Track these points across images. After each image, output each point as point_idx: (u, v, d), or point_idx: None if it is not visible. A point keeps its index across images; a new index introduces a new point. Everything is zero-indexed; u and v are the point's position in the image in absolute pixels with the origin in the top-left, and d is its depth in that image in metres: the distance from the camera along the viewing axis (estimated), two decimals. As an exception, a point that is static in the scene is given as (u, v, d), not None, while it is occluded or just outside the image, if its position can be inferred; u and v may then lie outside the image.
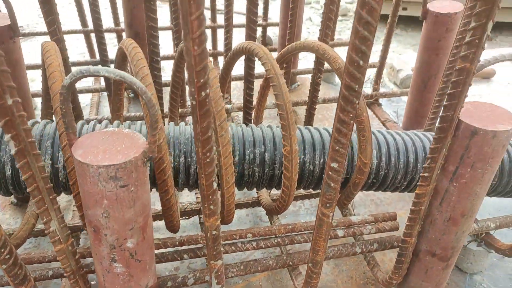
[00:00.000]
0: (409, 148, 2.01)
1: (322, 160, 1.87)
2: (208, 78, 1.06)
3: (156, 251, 1.64)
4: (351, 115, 1.21)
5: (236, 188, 1.91)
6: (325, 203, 1.42)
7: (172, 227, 1.58)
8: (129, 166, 1.10)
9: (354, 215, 2.39)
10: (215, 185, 1.30)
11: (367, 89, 3.19)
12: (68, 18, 5.31)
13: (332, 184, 1.36)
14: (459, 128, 1.47)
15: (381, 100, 3.52)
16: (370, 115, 3.46)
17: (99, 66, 1.05)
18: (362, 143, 1.76)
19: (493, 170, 1.52)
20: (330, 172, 1.34)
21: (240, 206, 2.17)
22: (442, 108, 1.43)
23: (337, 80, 4.03)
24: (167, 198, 1.45)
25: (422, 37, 2.52)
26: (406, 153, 2.00)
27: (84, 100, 3.45)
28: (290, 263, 1.83)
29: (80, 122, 1.65)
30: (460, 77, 1.34)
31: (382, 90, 3.23)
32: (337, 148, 1.28)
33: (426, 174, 1.56)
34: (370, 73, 3.66)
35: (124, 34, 3.19)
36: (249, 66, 2.00)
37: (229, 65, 2.00)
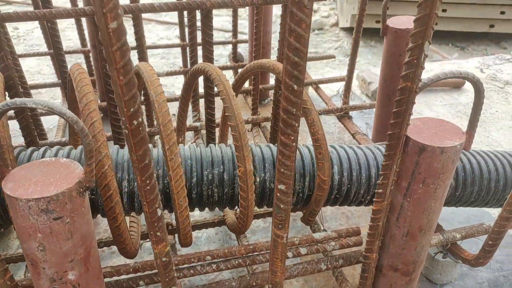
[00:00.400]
0: (370, 163, 1.99)
1: (307, 184, 1.85)
2: (138, 107, 1.03)
3: (109, 279, 1.59)
4: (293, 137, 1.19)
5: (197, 209, 1.88)
6: (277, 224, 1.39)
7: (126, 253, 1.53)
8: (61, 197, 1.06)
9: (324, 230, 2.36)
10: (159, 211, 1.26)
11: (337, 102, 3.19)
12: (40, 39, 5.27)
13: (282, 206, 1.34)
14: (407, 144, 1.46)
15: (353, 113, 3.52)
16: (340, 128, 3.46)
17: (25, 98, 1.02)
18: (319, 161, 1.74)
19: (445, 185, 1.51)
20: (278, 194, 1.31)
21: (206, 225, 2.13)
22: (390, 126, 1.42)
23: (310, 93, 4.04)
24: (116, 225, 1.40)
25: (384, 52, 2.53)
26: (368, 167, 1.98)
27: (54, 121, 3.40)
28: (254, 283, 1.78)
29: (30, 149, 1.61)
30: (403, 96, 1.33)
31: (354, 102, 3.24)
32: (282, 170, 1.26)
33: (380, 191, 1.54)
34: (340, 86, 3.67)
35: (91, 55, 3.17)
36: (208, 86, 1.98)
37: (188, 85, 1.98)
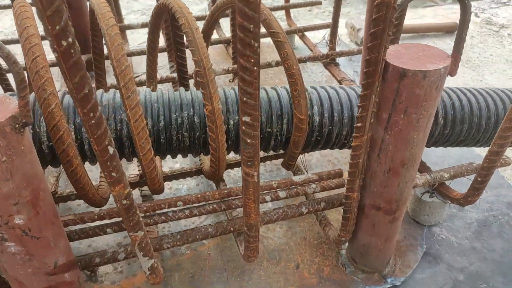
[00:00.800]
0: (353, 102, 1.85)
1: (285, 126, 1.72)
2: (66, 24, 0.88)
3: (73, 227, 1.51)
4: (253, 60, 1.04)
5: (170, 156, 1.76)
6: (246, 161, 1.27)
7: (89, 201, 1.43)
8: (-9, 133, 0.93)
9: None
10: (111, 149, 1.14)
11: (325, 51, 2.99)
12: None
13: (249, 140, 1.21)
14: (387, 71, 1.31)
15: (341, 61, 3.33)
16: (328, 76, 3.29)
17: None
18: (295, 98, 1.60)
19: (429, 114, 1.37)
20: (244, 127, 1.18)
21: (184, 175, 2.02)
22: (367, 50, 1.27)
23: (296, 43, 3.82)
24: (72, 170, 1.29)
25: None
26: (350, 107, 1.84)
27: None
28: (232, 229, 1.70)
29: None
30: (380, 13, 1.17)
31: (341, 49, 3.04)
32: (245, 99, 1.12)
33: (359, 124, 1.41)
34: (325, 33, 3.45)
35: None
36: (175, 26, 1.80)
37: (154, 26, 1.79)
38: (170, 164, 2.50)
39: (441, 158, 2.65)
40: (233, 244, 2.03)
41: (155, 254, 1.66)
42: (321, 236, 2.10)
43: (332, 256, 2.01)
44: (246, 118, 1.17)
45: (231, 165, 2.14)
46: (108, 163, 1.14)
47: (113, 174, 1.17)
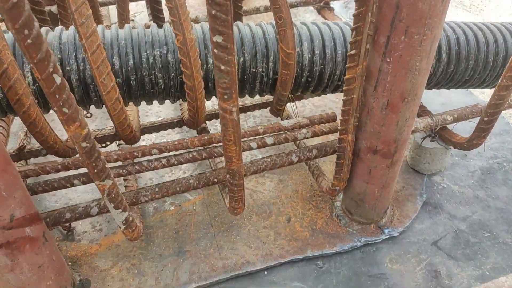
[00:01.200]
0: (347, 38, 1.65)
1: (271, 65, 1.53)
2: None
3: (35, 179, 1.35)
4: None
5: (145, 102, 1.58)
6: (222, 94, 1.09)
7: (56, 152, 1.27)
8: None
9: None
10: (58, 78, 0.95)
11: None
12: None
13: (223, 67, 1.02)
14: (385, -20, 1.11)
15: (336, 6, 3.08)
16: (320, 20, 3.05)
17: None
18: (281, 28, 1.39)
19: (434, 35, 1.18)
20: (216, 50, 0.99)
21: (165, 126, 1.85)
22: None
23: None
24: (30, 122, 1.11)
25: None
26: (344, 44, 1.64)
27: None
28: (215, 180, 1.55)
29: None
30: None
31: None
32: (214, 12, 0.92)
33: (353, 52, 1.22)
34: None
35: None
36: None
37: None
38: (154, 118, 2.33)
39: (442, 105, 2.47)
40: (220, 199, 1.89)
41: (130, 207, 1.52)
42: (314, 188, 1.96)
43: (325, 209, 1.88)
44: (218, 38, 0.98)
45: (217, 115, 1.97)
46: (57, 96, 0.96)
47: (65, 110, 0.99)
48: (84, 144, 1.07)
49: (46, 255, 1.32)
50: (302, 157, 1.64)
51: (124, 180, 1.66)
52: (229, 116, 1.14)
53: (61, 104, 0.97)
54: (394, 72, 1.23)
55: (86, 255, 1.64)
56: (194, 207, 1.84)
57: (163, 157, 1.44)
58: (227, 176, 1.34)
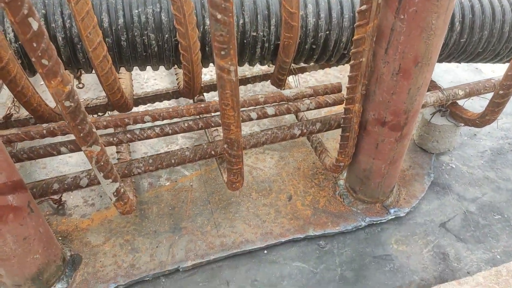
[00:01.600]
0: (355, 1, 1.53)
1: (273, 28, 1.41)
2: None
3: (20, 145, 1.25)
4: None
5: (137, 67, 1.47)
6: (219, 50, 0.98)
7: (40, 118, 1.16)
8: None
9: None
10: (35, 24, 0.84)
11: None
12: None
13: (220, 16, 0.91)
14: None
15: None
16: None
17: None
18: (285, -15, 1.27)
19: (453, -11, 1.06)
20: (212, -4, 0.88)
21: (160, 97, 1.74)
22: None
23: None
24: (10, 80, 1.00)
25: None
26: (351, 7, 1.52)
27: None
28: (213, 152, 1.44)
29: None
30: None
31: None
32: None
33: (363, 7, 1.10)
34: None
35: None
36: None
37: None
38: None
39: (451, 83, 2.36)
40: (218, 175, 1.79)
41: (123, 180, 1.42)
42: (317, 166, 1.86)
43: (328, 187, 1.78)
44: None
45: (215, 87, 1.86)
46: (34, 44, 0.85)
47: (44, 61, 0.89)
48: (67, 103, 0.96)
49: (31, 226, 1.23)
50: (305, 131, 1.54)
51: (117, 152, 1.56)
52: (226, 76, 1.03)
53: (40, 54, 0.86)
54: (408, 31, 1.11)
55: (78, 230, 1.55)
56: (191, 183, 1.75)
57: (157, 126, 1.34)
58: (225, 146, 1.24)
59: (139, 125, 1.57)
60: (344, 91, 1.58)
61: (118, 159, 1.54)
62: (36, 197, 1.31)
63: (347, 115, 1.36)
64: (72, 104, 0.97)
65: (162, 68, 2.40)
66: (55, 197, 1.59)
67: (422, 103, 1.34)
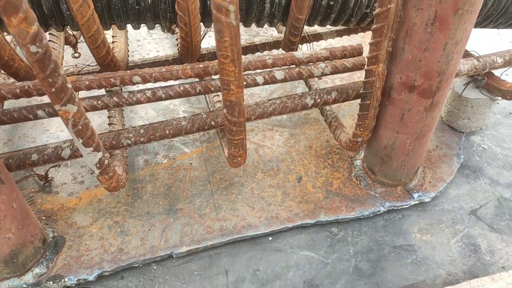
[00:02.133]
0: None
1: None
2: None
3: None
4: None
5: (131, 25, 1.27)
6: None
7: (9, 70, 0.98)
8: None
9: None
10: None
11: None
12: None
13: None
14: None
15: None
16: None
17: None
18: None
19: None
20: None
21: (156, 64, 1.54)
22: None
23: None
24: None
25: None
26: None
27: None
28: (212, 123, 1.24)
29: None
30: None
31: None
32: None
33: None
34: None
35: None
36: None
37: None
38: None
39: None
40: (221, 153, 1.59)
41: (113, 154, 1.24)
42: (331, 145, 1.64)
43: (343, 168, 1.56)
44: None
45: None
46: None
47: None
48: (33, 48, 0.77)
49: (2, 201, 1.05)
50: (319, 100, 1.32)
51: (110, 124, 1.38)
52: (224, 19, 0.82)
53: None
54: (448, -33, 0.88)
55: (64, 209, 1.38)
56: (191, 161, 1.56)
57: (148, 89, 1.14)
58: (224, 111, 1.03)
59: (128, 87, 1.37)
60: (366, 55, 1.35)
61: (110, 131, 1.35)
62: (12, 168, 1.13)
63: (368, 78, 1.14)
64: (40, 50, 0.78)
65: (166, 40, 2.20)
66: (41, 173, 1.42)
67: (458, 64, 1.11)
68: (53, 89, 0.85)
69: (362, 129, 1.29)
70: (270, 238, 1.36)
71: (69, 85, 0.88)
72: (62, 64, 1.37)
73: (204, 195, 1.45)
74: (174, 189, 1.46)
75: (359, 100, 1.27)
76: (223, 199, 1.44)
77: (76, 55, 1.70)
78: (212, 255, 1.31)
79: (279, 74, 1.22)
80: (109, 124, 1.39)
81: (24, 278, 1.18)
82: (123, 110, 1.48)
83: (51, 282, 1.19)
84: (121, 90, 1.41)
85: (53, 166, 1.47)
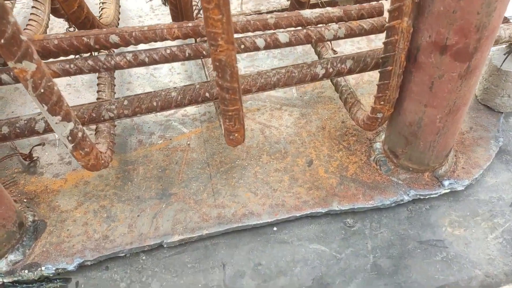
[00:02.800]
0: None
1: None
2: None
3: None
4: None
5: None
6: None
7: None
8: None
9: (334, 51, 1.55)
10: None
11: None
12: None
13: None
14: None
15: None
16: None
17: None
18: None
19: None
20: None
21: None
22: None
23: None
24: None
25: None
26: None
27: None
28: (207, 94, 1.07)
29: None
30: None
31: None
32: None
33: None
34: None
35: None
36: None
37: None
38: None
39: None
40: (222, 134, 1.42)
41: (99, 131, 1.08)
42: (347, 126, 1.44)
43: (361, 151, 1.36)
44: None
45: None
46: None
47: None
48: None
49: (-35, 177, 0.93)
50: (331, 70, 1.12)
51: (98, 99, 1.23)
52: None
53: None
54: None
55: (47, 192, 1.25)
56: (189, 142, 1.39)
57: (129, 52, 0.98)
58: (214, 74, 0.85)
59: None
60: (386, 15, 1.14)
61: (89, 103, 1.21)
62: (-18, 144, 1.00)
63: (390, 37, 0.94)
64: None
65: (169, 16, 2.04)
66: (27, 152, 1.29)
67: (502, 18, 0.89)
68: (2, 40, 0.70)
69: (382, 103, 1.08)
70: (274, 229, 1.18)
71: (24, 38, 0.73)
72: (46, 33, 1.23)
73: (202, 178, 1.28)
74: (168, 171, 1.30)
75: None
76: (223, 183, 1.26)
77: (71, 29, 1.57)
78: (208, 246, 1.14)
79: (283, 36, 1.03)
80: (97, 99, 1.25)
81: (-3, 266, 1.06)
82: (115, 85, 1.33)
83: (26, 271, 1.06)
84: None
85: (38, 145, 1.35)
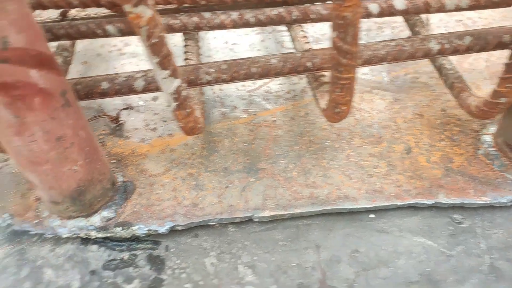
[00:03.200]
0: None
1: None
2: None
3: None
4: None
5: None
6: None
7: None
8: None
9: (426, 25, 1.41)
10: None
11: None
12: None
13: None
14: None
15: None
16: None
17: None
18: None
19: None
20: None
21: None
22: None
23: None
24: None
25: None
26: None
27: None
28: (309, 64, 0.97)
29: None
30: None
31: None
32: None
33: None
34: None
35: None
36: None
37: None
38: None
39: None
40: (309, 113, 1.32)
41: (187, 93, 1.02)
42: (448, 115, 1.29)
43: (466, 143, 1.21)
44: None
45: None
46: None
47: None
48: None
49: (68, 125, 0.88)
50: (447, 46, 0.99)
51: (185, 58, 1.17)
52: None
53: None
54: None
55: (134, 155, 1.21)
56: (274, 119, 1.30)
57: (234, 11, 0.91)
58: (332, 33, 0.75)
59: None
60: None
61: (187, 65, 1.15)
62: (80, 96, 0.97)
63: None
64: None
65: None
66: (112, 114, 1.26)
67: None
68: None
69: (509, 85, 0.94)
70: (372, 216, 1.06)
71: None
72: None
73: (290, 156, 1.18)
74: (254, 146, 1.22)
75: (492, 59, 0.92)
76: (313, 163, 1.16)
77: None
78: (300, 225, 1.04)
79: (399, 2, 0.92)
80: (185, 59, 1.19)
81: (91, 220, 1.02)
82: (200, 48, 1.27)
83: (119, 228, 1.01)
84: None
85: (125, 108, 1.32)
